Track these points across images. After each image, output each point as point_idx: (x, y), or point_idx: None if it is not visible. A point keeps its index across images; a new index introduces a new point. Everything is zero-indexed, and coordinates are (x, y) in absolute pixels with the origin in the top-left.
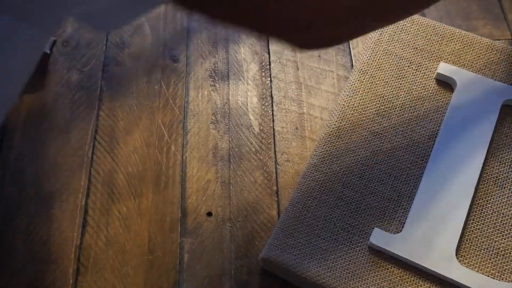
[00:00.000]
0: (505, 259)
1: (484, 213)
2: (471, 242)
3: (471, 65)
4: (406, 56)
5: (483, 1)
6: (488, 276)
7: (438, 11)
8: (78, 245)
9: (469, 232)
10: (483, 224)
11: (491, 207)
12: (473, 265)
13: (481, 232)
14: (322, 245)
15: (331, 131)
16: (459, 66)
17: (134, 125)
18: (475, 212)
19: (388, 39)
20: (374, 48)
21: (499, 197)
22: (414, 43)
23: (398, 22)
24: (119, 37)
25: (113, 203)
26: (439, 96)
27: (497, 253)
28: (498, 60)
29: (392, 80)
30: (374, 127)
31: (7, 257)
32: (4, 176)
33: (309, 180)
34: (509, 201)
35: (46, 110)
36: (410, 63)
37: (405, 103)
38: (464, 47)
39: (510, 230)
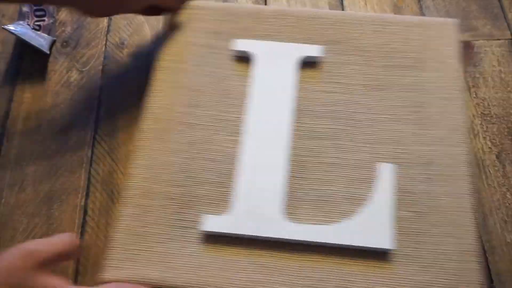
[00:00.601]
0: (332, 204)
1: (303, 167)
2: (298, 198)
3: (265, 35)
4: (203, 42)
5: (483, 1)
6: (320, 224)
7: (438, 11)
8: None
9: (293, 188)
10: (305, 178)
11: (293, 159)
12: (304, 219)
13: (305, 186)
14: (158, 249)
15: (145, 136)
16: (253, 39)
17: (134, 125)
18: (295, 168)
19: (182, 30)
20: (170, 42)
21: (314, 147)
22: (208, 28)
23: (188, 12)
24: (118, 37)
25: (113, 203)
26: (242, 72)
27: (324, 201)
28: (288, 24)
29: (195, 69)
30: (188, 119)
31: None
32: (4, 176)
33: (132, 189)
34: (323, 149)
35: (46, 110)
36: (209, 47)
37: (212, 87)
38: (255, 20)
39: (331, 176)
